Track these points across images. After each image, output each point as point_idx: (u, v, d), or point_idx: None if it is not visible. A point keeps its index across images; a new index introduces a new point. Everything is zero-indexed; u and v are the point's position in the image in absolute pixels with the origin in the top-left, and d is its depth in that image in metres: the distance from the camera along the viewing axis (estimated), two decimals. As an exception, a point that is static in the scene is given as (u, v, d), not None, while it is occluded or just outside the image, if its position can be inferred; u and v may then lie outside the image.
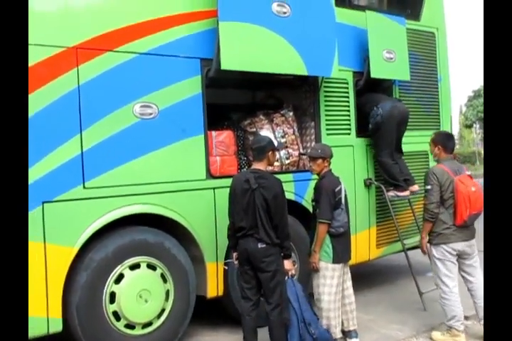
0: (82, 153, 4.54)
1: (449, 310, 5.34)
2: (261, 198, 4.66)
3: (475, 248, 5.40)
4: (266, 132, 5.98)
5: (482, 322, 5.28)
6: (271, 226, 4.68)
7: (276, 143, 5.13)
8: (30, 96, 4.15)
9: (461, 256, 5.38)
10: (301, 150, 6.13)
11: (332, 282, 5.11)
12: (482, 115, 46.10)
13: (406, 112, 6.84)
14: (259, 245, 4.67)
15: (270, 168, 4.96)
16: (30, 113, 4.19)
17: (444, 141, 5.51)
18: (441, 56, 7.87)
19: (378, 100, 6.79)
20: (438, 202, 5.31)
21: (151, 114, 4.91)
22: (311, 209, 5.49)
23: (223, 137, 5.55)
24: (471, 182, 5.31)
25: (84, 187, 4.55)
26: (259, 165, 4.87)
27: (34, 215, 4.25)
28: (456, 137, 47.14)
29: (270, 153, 4.90)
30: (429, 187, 5.34)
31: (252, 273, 4.79)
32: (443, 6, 8.03)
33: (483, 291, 3.39)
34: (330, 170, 5.29)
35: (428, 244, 5.48)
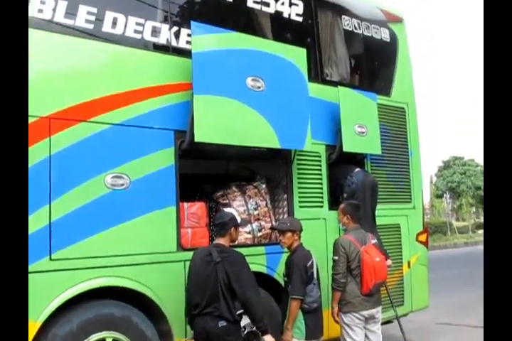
0: (50, 223, 4.43)
1: None
2: (223, 272, 4.54)
3: (380, 314, 5.68)
4: (238, 204, 5.97)
5: None
6: (232, 301, 4.54)
7: (239, 220, 5.06)
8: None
9: (367, 321, 5.55)
10: (273, 223, 6.09)
11: (303, 360, 4.98)
12: (452, 185, 46.91)
13: (376, 181, 7.00)
14: (220, 324, 4.49)
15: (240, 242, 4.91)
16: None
17: (352, 211, 5.82)
18: (411, 130, 8.01)
19: (351, 171, 6.88)
20: (344, 272, 5.48)
21: (122, 184, 4.87)
22: (283, 284, 5.40)
23: (195, 208, 5.51)
24: (376, 253, 5.64)
25: (50, 258, 4.42)
26: (221, 241, 4.80)
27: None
28: (427, 207, 47.77)
29: (233, 229, 4.84)
30: (336, 257, 5.53)
31: None
32: (413, 81, 8.26)
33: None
34: (301, 243, 5.25)
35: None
